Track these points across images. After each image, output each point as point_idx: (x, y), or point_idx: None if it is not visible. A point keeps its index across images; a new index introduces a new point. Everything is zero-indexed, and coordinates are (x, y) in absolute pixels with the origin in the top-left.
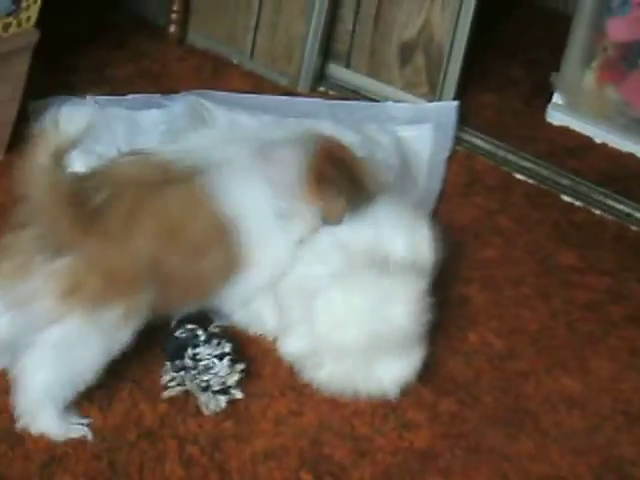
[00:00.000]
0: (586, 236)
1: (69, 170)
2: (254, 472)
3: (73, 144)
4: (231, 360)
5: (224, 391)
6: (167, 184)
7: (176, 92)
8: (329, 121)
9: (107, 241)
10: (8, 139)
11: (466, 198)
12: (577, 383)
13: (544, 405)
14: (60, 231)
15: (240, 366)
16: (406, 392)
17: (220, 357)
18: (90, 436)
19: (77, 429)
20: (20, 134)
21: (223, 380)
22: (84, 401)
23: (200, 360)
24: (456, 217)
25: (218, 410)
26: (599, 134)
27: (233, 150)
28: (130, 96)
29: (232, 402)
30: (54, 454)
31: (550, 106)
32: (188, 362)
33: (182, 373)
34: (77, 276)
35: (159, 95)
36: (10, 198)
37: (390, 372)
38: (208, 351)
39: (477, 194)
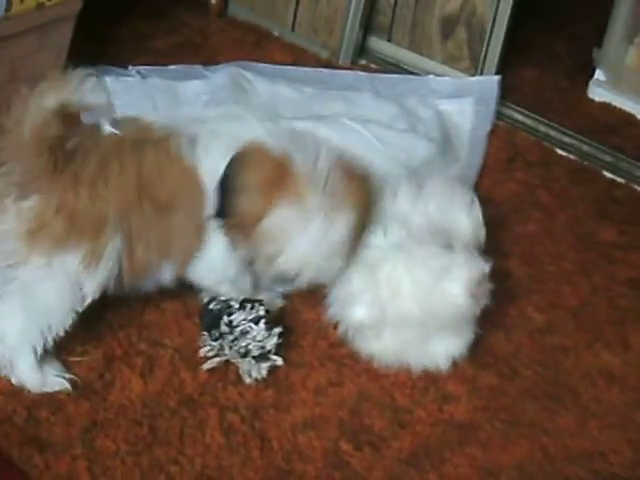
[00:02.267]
0: (627, 212)
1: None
2: (294, 441)
3: (81, 109)
4: (267, 323)
5: (264, 357)
6: (145, 142)
7: (217, 64)
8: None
9: (75, 185)
10: None
11: (507, 173)
12: (617, 359)
13: (584, 380)
14: (32, 170)
15: (278, 329)
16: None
17: (256, 321)
18: (69, 388)
19: (57, 382)
20: None
21: (262, 344)
22: (125, 367)
23: (236, 326)
24: (497, 191)
25: (259, 378)
26: None
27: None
28: (171, 67)
29: (272, 371)
30: (95, 419)
31: (592, 82)
32: (225, 329)
33: (220, 342)
34: (41, 217)
35: (200, 66)
36: None
37: (443, 348)
38: (243, 316)
39: (518, 169)
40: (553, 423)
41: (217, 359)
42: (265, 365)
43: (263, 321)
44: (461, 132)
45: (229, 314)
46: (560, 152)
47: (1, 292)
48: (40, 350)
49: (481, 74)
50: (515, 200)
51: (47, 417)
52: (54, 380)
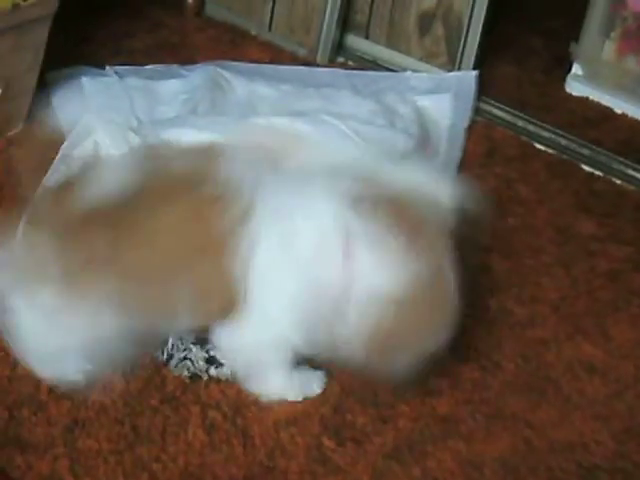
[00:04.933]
0: (606, 205)
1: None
2: (276, 438)
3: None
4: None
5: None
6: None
7: (194, 63)
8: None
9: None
10: (27, 109)
11: (486, 168)
12: (598, 350)
13: (565, 372)
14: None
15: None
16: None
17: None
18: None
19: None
20: (39, 104)
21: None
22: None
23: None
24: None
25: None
26: (619, 104)
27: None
28: (149, 66)
29: None
30: (77, 418)
31: (569, 77)
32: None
33: (185, 361)
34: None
35: (178, 65)
36: (30, 165)
37: None
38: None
39: (497, 164)
40: (535, 415)
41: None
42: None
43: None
44: (439, 127)
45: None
46: (538, 146)
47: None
48: None
49: (459, 70)
50: (494, 195)
51: (29, 417)
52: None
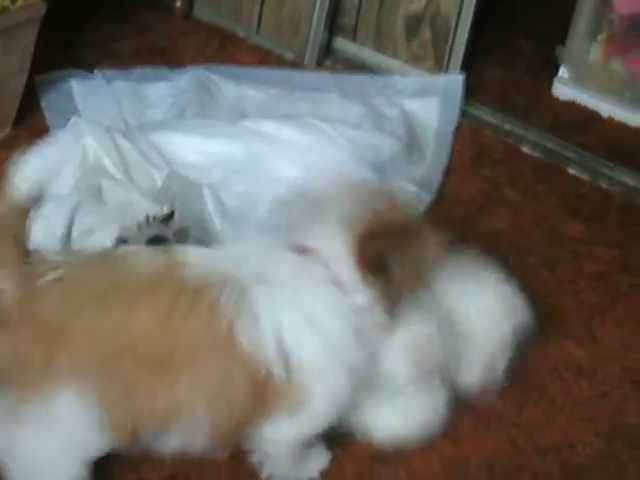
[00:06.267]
0: (592, 208)
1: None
2: None
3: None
4: None
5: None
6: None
7: (183, 66)
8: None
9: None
10: (15, 113)
11: (473, 170)
12: (585, 352)
13: (552, 374)
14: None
15: None
16: None
17: None
18: None
19: None
20: (27, 108)
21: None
22: None
23: None
24: (463, 189)
25: None
26: (605, 108)
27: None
28: (137, 70)
29: None
30: None
31: (556, 80)
32: None
33: None
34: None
35: (166, 68)
36: None
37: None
38: None
39: (484, 166)
40: (522, 417)
41: None
42: None
43: None
44: (427, 130)
45: None
46: (525, 149)
47: None
48: None
49: (446, 73)
50: (481, 197)
51: None
52: None
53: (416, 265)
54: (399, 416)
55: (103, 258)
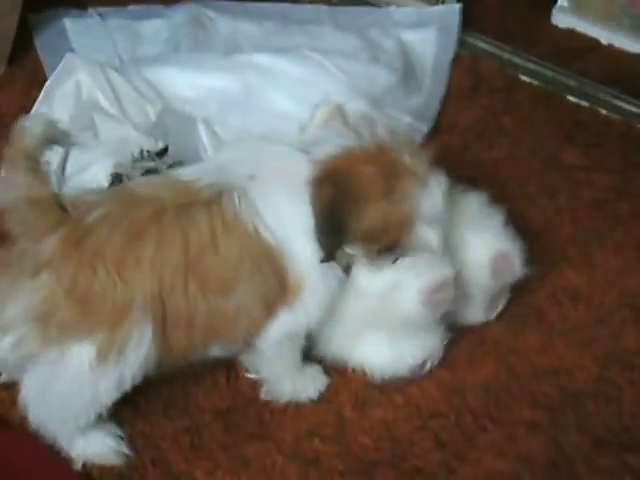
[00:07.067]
0: (591, 135)
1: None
2: None
3: (40, 148)
4: None
5: None
6: (191, 206)
7: (177, 2)
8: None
9: (94, 263)
10: (9, 52)
11: (471, 100)
12: (583, 278)
13: (549, 299)
14: (38, 235)
15: None
16: None
17: None
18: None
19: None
20: (21, 47)
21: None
22: None
23: None
24: (461, 118)
25: None
26: (605, 35)
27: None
28: (131, 6)
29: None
30: None
31: (555, 8)
32: None
33: None
34: (49, 299)
35: (160, 5)
36: (12, 109)
37: (396, 354)
38: None
39: (482, 96)
40: (519, 342)
41: None
42: None
43: None
44: (424, 61)
45: None
46: (524, 78)
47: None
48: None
49: (443, 3)
50: (479, 126)
51: None
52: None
53: (377, 227)
54: (390, 355)
55: (123, 193)
